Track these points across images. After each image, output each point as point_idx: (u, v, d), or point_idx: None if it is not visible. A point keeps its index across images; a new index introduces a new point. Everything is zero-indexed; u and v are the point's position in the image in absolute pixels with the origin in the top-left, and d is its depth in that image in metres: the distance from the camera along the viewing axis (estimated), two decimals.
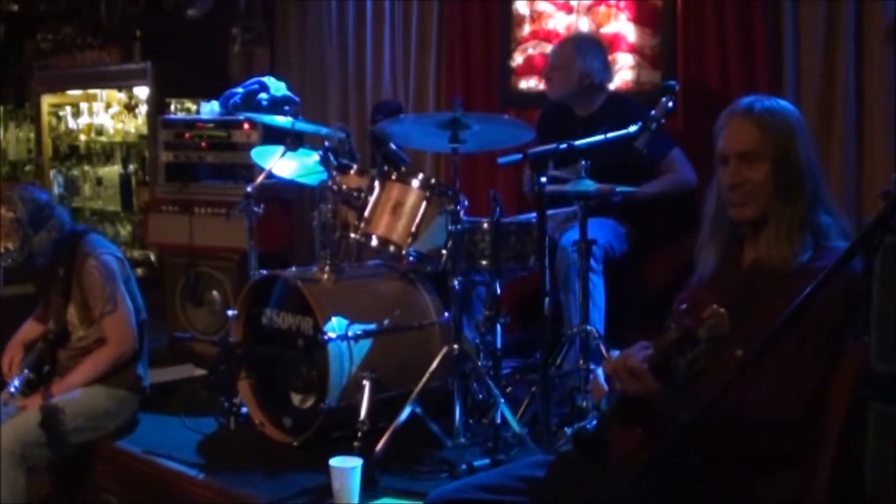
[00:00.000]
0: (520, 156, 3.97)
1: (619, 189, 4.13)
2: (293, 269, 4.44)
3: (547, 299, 3.69)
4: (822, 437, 2.34)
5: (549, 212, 3.94)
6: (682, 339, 2.22)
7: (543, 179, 3.55)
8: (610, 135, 3.91)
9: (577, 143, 3.75)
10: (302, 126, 4.91)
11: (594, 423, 2.53)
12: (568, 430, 3.86)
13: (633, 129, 3.93)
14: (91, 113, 7.94)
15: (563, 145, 3.69)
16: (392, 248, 4.18)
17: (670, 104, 3.95)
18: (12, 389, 4.00)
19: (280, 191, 5.62)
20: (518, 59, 5.71)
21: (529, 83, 5.67)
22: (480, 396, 4.20)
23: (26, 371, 4.14)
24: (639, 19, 5.20)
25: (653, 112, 3.92)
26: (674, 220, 4.85)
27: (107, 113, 7.82)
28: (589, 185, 3.99)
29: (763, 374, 2.27)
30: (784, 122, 2.57)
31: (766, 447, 2.37)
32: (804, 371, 2.37)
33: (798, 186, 2.53)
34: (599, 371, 2.58)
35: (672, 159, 4.72)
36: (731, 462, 2.36)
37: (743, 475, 2.38)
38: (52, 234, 4.30)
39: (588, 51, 4.87)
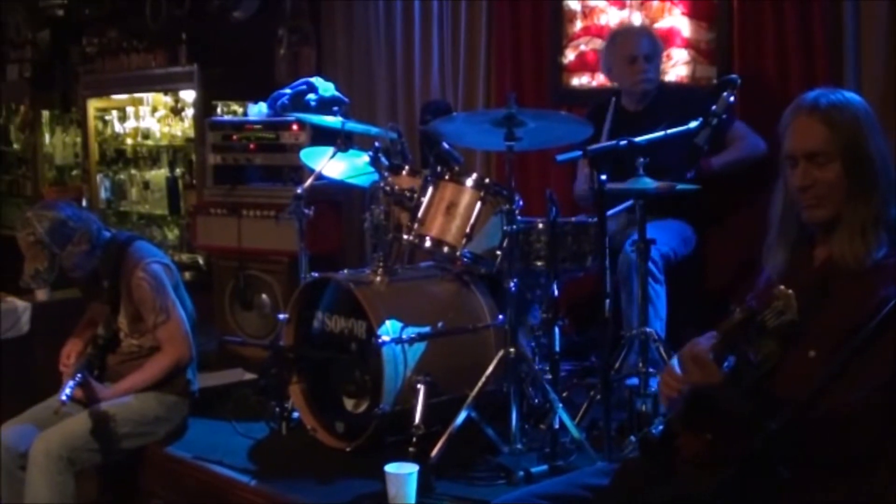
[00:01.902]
0: (579, 153, 3.88)
1: (679, 186, 4.02)
2: (345, 271, 4.37)
3: (607, 301, 3.61)
4: None
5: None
6: (746, 322, 2.13)
7: (603, 177, 3.47)
8: (670, 131, 3.82)
9: (637, 139, 3.67)
10: (352, 126, 4.85)
11: (660, 428, 2.44)
12: (632, 438, 3.76)
13: (693, 124, 3.84)
14: (137, 117, 7.93)
15: (623, 141, 3.61)
16: (446, 250, 4.10)
17: (731, 98, 3.86)
18: (63, 397, 3.96)
19: (330, 192, 5.57)
20: (570, 56, 5.62)
21: (582, 80, 5.58)
22: (536, 401, 4.13)
23: (79, 376, 4.10)
24: (694, 13, 5.09)
25: (713, 107, 3.83)
26: (739, 218, 4.77)
27: (153, 116, 7.80)
28: (648, 183, 3.89)
29: (841, 376, 2.18)
30: (852, 116, 2.46)
31: (844, 449, 2.27)
32: (883, 371, 2.26)
33: (872, 183, 2.43)
34: (674, 361, 2.48)
35: (736, 130, 4.65)
36: (810, 467, 2.26)
37: (822, 479, 2.27)
38: (82, 247, 4.24)
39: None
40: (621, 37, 4.92)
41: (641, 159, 3.91)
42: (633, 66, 4.75)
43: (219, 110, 6.69)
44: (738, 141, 4.63)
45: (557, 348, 4.04)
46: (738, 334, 2.15)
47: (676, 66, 5.12)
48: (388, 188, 4.24)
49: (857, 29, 4.51)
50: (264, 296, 5.84)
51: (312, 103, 5.86)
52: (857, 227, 2.41)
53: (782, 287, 2.08)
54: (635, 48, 4.75)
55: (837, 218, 2.44)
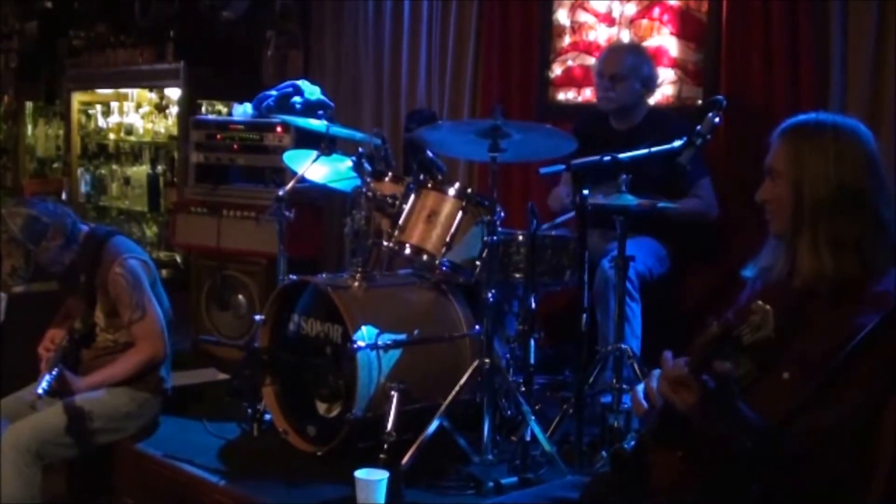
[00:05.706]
0: (563, 167, 3.89)
1: (660, 205, 4.02)
2: (323, 275, 4.36)
3: (584, 316, 3.62)
4: (876, 461, 2.25)
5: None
6: (722, 336, 2.11)
7: (585, 192, 3.47)
8: (654, 149, 3.83)
9: (621, 155, 3.68)
10: (337, 130, 4.84)
11: (632, 443, 2.43)
12: (603, 452, 3.77)
13: (677, 143, 3.86)
14: (121, 112, 7.92)
15: (607, 157, 3.61)
16: (425, 258, 4.10)
17: (717, 119, 3.87)
18: (40, 391, 3.93)
19: (311, 196, 5.56)
20: (557, 71, 5.64)
21: (568, 95, 5.60)
22: (509, 413, 4.12)
23: (55, 371, 4.06)
24: (682, 33, 5.12)
25: (699, 127, 3.85)
26: (714, 239, 4.78)
27: (137, 113, 7.79)
28: (629, 200, 3.90)
29: (815, 399, 2.18)
30: (813, 140, 2.47)
31: (817, 472, 2.27)
32: (857, 396, 2.26)
33: (820, 206, 2.41)
34: (640, 387, 2.48)
35: (701, 186, 4.65)
36: (782, 486, 2.26)
37: (793, 499, 2.27)
38: (57, 241, 4.23)
39: (647, 59, 4.85)
40: (602, 52, 4.96)
41: (624, 176, 3.92)
42: (598, 83, 4.80)
43: (203, 109, 6.69)
44: (696, 198, 4.63)
45: (532, 361, 4.05)
46: (714, 349, 2.14)
47: (663, 86, 5.13)
48: (370, 194, 4.23)
49: (843, 52, 4.55)
50: (241, 296, 5.82)
51: (298, 106, 5.85)
52: (807, 245, 2.41)
53: (760, 302, 2.08)
54: (602, 66, 4.81)
55: (785, 233, 2.49)
